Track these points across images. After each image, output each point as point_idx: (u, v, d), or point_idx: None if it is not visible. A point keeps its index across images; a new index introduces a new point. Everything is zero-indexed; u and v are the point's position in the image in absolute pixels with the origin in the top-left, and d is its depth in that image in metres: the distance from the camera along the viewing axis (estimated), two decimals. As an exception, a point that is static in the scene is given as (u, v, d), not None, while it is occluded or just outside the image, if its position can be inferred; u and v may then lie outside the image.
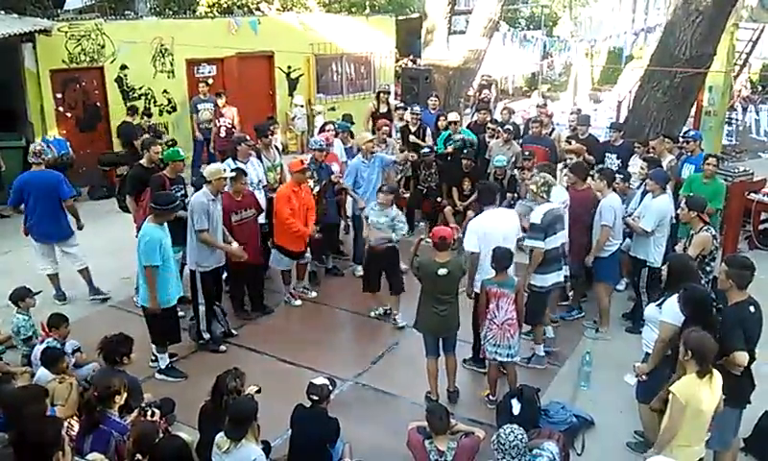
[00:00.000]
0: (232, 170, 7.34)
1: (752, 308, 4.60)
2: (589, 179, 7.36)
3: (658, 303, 5.19)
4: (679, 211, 6.79)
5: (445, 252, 5.73)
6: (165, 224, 6.24)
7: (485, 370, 6.26)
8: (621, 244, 7.31)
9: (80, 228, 7.93)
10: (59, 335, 6.09)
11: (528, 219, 6.73)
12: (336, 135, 9.42)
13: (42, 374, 5.42)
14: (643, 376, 5.09)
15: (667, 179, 7.37)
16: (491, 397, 6.04)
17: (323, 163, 8.32)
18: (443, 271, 5.65)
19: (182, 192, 7.31)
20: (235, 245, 7.00)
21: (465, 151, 9.80)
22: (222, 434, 4.30)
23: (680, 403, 4.13)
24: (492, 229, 6.10)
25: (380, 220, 7.41)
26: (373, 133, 9.66)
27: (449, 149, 10.03)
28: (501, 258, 5.69)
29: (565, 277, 6.68)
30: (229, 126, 12.12)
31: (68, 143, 11.76)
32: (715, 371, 4.23)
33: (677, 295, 4.91)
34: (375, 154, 8.60)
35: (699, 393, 4.13)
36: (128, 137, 11.27)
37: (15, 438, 3.47)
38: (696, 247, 6.23)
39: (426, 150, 9.88)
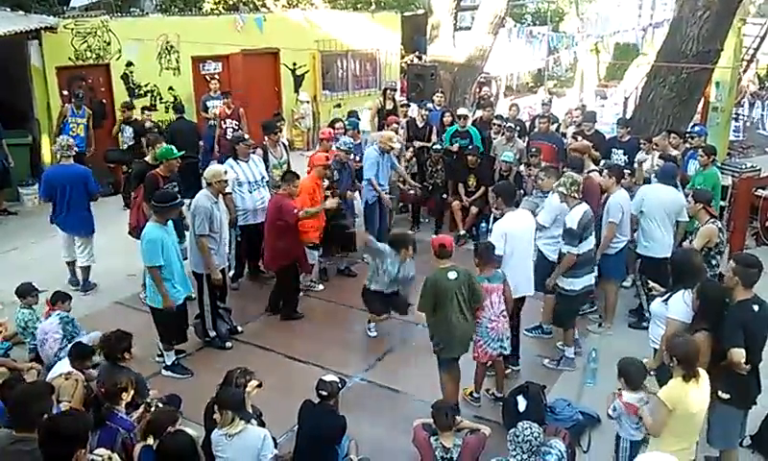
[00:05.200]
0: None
1: (756, 307, 4.54)
2: (596, 174, 7.34)
3: (663, 298, 5.17)
4: (686, 206, 6.78)
5: (448, 259, 5.54)
6: (170, 222, 6.24)
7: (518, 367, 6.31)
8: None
9: None
10: (63, 310, 6.34)
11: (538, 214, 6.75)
12: (345, 133, 9.43)
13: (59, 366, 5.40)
14: (651, 372, 5.06)
15: (675, 174, 7.35)
16: (474, 394, 6.02)
17: (346, 163, 8.36)
18: (452, 274, 5.44)
19: (176, 190, 7.24)
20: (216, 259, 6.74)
21: (470, 147, 9.79)
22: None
23: (666, 409, 4.12)
24: (518, 230, 6.05)
25: (395, 271, 6.89)
26: (380, 129, 9.67)
27: (455, 147, 10.02)
28: (483, 253, 5.70)
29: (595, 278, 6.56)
30: (236, 127, 11.95)
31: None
32: (702, 370, 4.20)
33: (683, 291, 4.90)
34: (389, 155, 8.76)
35: (687, 396, 4.11)
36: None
37: (44, 432, 3.43)
38: (701, 238, 6.22)
39: (438, 147, 9.90)
